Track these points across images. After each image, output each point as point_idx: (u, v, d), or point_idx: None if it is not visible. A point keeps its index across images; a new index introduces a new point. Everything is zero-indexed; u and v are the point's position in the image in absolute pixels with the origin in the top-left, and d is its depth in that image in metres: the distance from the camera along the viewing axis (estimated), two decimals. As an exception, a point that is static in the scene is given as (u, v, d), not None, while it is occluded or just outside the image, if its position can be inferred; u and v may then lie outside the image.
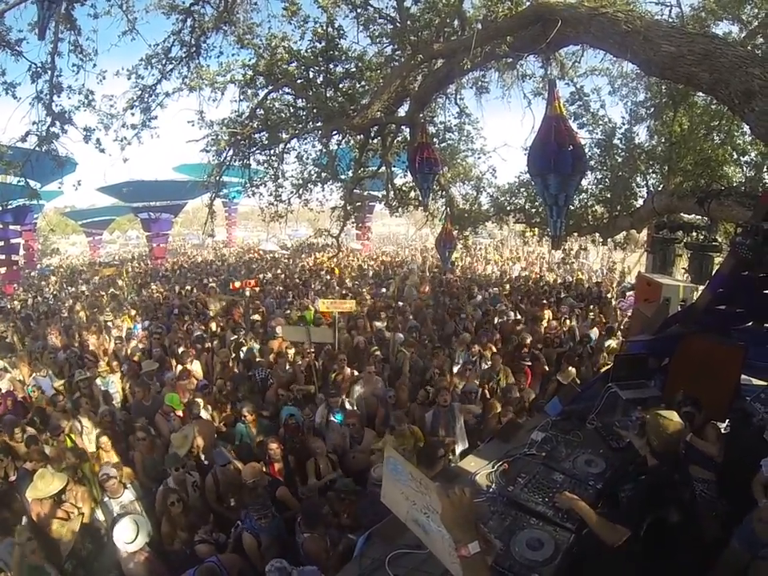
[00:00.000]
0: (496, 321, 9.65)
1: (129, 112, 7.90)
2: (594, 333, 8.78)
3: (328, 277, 17.23)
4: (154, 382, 7.07)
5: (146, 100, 8.00)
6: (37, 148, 6.67)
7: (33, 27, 5.78)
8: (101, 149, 7.35)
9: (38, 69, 6.20)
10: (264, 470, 4.79)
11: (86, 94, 6.75)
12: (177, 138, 9.30)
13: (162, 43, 7.78)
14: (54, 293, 19.46)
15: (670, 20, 7.14)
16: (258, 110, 9.57)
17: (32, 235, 29.10)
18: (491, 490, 3.08)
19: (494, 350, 7.63)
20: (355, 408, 6.10)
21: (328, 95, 9.01)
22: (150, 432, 5.58)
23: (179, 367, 7.57)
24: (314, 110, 9.20)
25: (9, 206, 18.72)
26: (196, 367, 7.66)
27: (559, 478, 3.06)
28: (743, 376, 4.10)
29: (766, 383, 4.08)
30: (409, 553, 2.58)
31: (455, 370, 7.19)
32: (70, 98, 6.61)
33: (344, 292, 13.13)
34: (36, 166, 6.83)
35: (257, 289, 14.76)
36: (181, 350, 8.19)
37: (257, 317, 10.49)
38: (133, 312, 12.25)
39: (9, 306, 15.92)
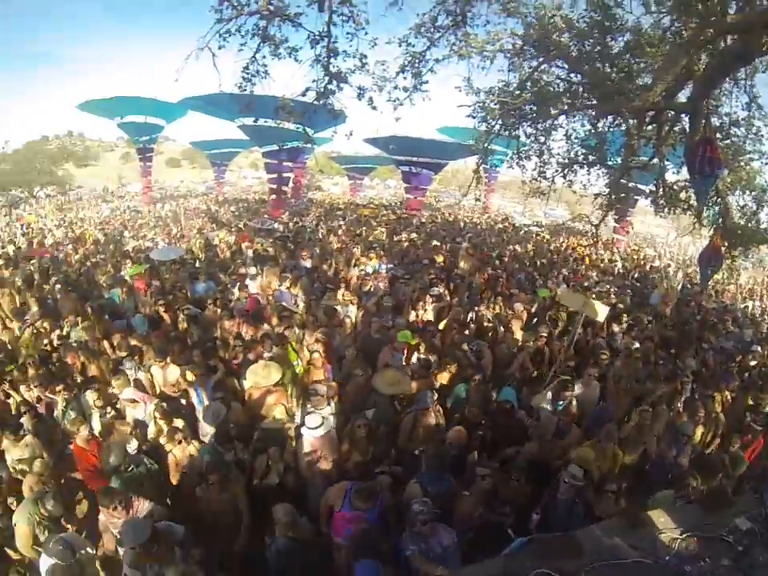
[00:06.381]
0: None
1: (401, 76, 8.64)
2: None
3: (575, 265, 16.31)
4: (386, 319, 7.77)
5: (416, 66, 8.63)
6: (315, 102, 7.74)
7: (309, 3, 6.77)
8: (372, 106, 8.21)
9: (316, 36, 7.19)
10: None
11: (359, 58, 7.51)
12: (440, 100, 9.92)
13: (428, 12, 8.21)
14: (313, 223, 22.37)
15: None
16: (527, 82, 9.52)
17: (301, 172, 34.98)
18: (668, 557, 2.86)
19: (729, 398, 6.59)
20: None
21: (605, 72, 8.42)
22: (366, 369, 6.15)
23: (412, 313, 8.25)
24: (589, 87, 8.78)
25: (284, 147, 22.82)
26: (428, 316, 8.25)
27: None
28: None
29: None
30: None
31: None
32: (345, 61, 7.57)
33: (586, 284, 12.42)
34: (312, 116, 7.99)
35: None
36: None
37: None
38: (381, 253, 13.23)
39: (275, 227, 18.84)
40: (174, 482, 4.76)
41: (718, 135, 9.03)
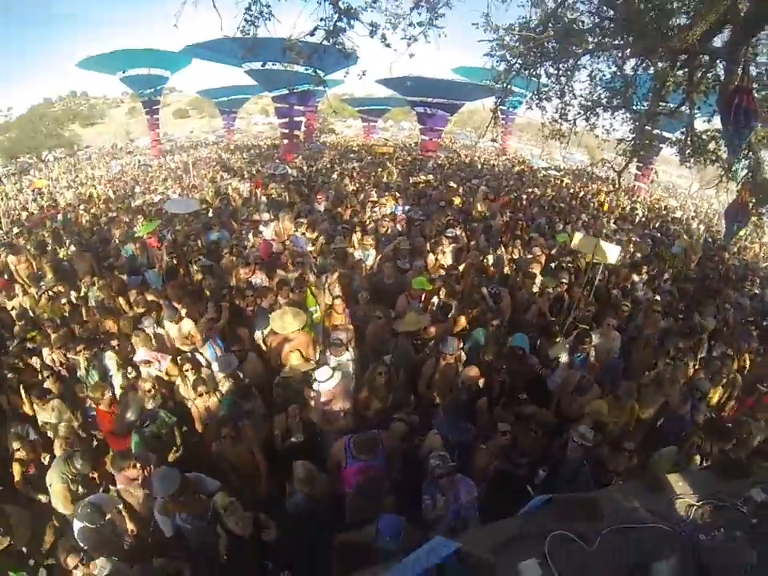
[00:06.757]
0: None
1: (415, 12, 8.18)
2: None
3: (595, 212, 15.75)
4: (404, 262, 7.74)
5: (431, 0, 8.13)
6: (324, 41, 7.35)
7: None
8: (386, 44, 7.83)
9: (323, -30, 6.81)
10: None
11: None
12: (456, 39, 9.44)
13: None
14: (327, 166, 22.12)
15: None
16: (551, 17, 9.01)
17: (313, 116, 34.53)
18: (683, 524, 2.78)
19: (748, 361, 6.46)
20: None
21: (639, 8, 7.84)
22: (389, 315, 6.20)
23: (431, 256, 8.08)
24: (623, 24, 8.23)
25: (295, 90, 22.51)
26: (447, 259, 8.10)
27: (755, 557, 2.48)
28: None
29: None
30: (571, 539, 2.55)
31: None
32: (355, -2, 7.15)
33: (605, 231, 12.04)
34: (322, 57, 7.65)
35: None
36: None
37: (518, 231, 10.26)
38: (397, 195, 13.08)
39: (288, 171, 18.40)
40: (200, 430, 4.92)
41: (755, 85, 8.48)
